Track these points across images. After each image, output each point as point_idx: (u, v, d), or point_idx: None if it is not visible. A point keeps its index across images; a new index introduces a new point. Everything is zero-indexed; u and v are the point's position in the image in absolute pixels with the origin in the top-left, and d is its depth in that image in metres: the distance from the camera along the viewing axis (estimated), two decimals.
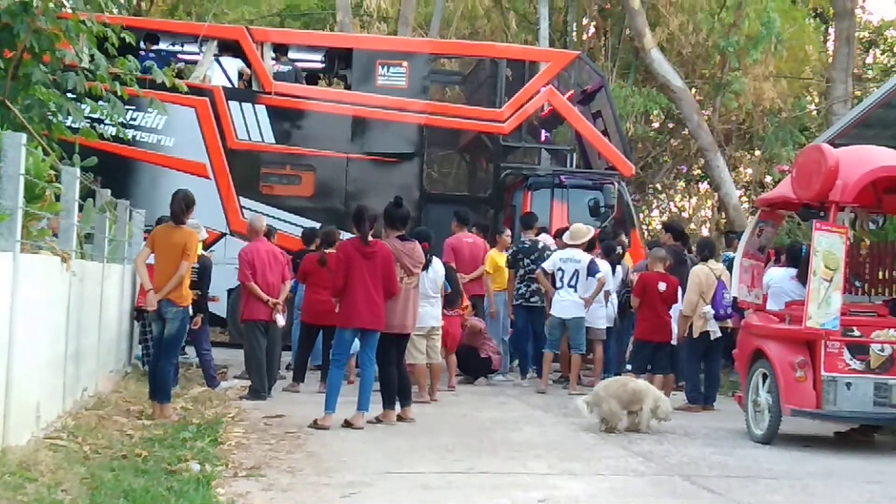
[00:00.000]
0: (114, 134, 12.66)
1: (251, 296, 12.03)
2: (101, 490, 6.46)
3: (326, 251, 12.56)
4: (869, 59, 34.91)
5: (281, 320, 12.30)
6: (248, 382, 12.16)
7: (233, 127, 17.46)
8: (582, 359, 13.78)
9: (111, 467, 7.22)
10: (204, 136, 17.38)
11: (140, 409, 10.12)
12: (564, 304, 13.54)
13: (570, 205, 17.47)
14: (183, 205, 10.05)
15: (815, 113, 30.20)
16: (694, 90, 27.68)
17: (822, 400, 9.51)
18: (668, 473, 8.31)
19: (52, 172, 8.96)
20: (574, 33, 29.54)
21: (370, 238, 10.09)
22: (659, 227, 31.90)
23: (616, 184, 17.57)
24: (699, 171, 31.77)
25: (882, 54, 35.39)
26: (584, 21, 30.64)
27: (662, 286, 12.61)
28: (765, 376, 9.97)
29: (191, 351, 12.93)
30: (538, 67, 18.71)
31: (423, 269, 11.20)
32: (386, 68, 17.97)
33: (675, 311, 12.75)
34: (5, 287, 6.87)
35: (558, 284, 13.57)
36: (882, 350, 9.57)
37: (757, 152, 30.44)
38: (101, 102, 11.29)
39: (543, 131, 20.23)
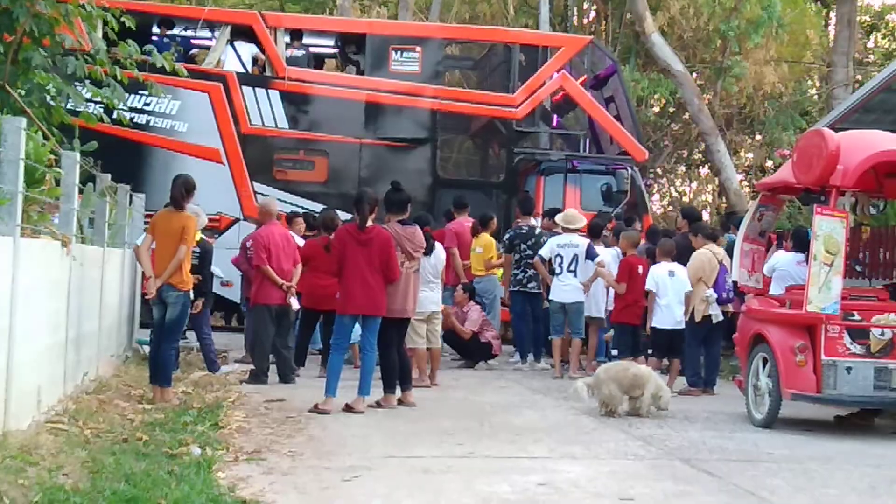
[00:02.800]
0: (115, 117, 12.64)
1: (265, 280, 11.93)
2: (101, 474, 6.48)
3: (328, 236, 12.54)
4: (870, 44, 34.81)
5: (295, 304, 12.25)
6: (249, 366, 12.17)
7: (246, 112, 17.48)
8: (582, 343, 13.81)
9: (112, 451, 7.23)
10: (217, 122, 17.42)
11: (141, 394, 10.14)
12: (564, 289, 13.54)
13: (583, 190, 17.50)
14: (183, 190, 10.04)
15: (815, 97, 30.15)
16: (695, 74, 27.64)
17: (823, 384, 9.52)
18: (668, 457, 8.31)
19: (53, 157, 8.96)
20: (574, 17, 29.47)
21: (369, 223, 10.03)
22: (659, 211, 31.88)
23: (629, 169, 17.56)
24: (700, 156, 31.73)
25: (883, 38, 35.30)
26: (585, 5, 30.58)
27: (640, 269, 12.74)
28: (765, 360, 9.97)
29: (191, 335, 12.95)
30: (551, 52, 18.68)
31: (425, 254, 11.20)
32: (399, 53, 17.97)
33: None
34: (6, 271, 6.88)
35: (557, 270, 13.55)
36: (882, 334, 9.57)
37: (758, 136, 30.40)
38: (104, 88, 11.27)
39: (556, 116, 20.22)
